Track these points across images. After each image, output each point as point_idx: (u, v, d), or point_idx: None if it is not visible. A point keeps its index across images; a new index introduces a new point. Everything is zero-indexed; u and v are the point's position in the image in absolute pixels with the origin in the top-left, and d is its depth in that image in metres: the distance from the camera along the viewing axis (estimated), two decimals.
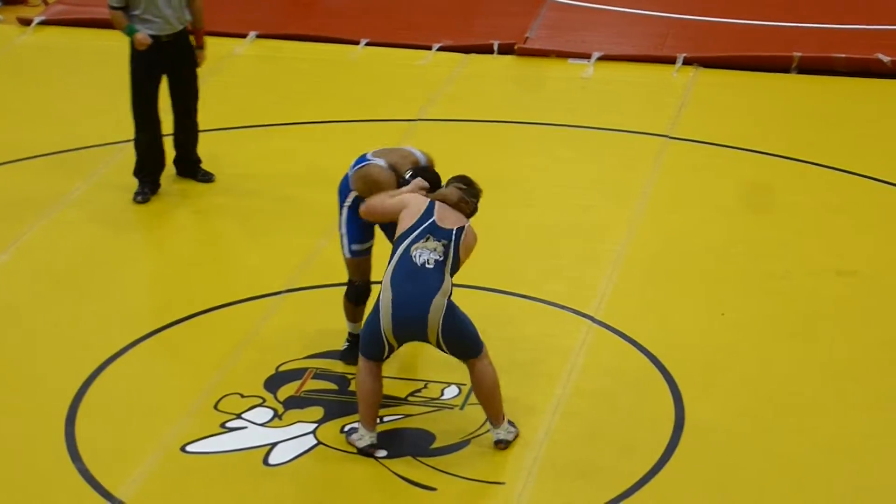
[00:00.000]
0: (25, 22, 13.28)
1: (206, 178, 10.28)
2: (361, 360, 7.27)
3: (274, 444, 7.50)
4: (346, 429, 7.42)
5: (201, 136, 10.41)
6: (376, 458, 7.37)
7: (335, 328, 8.17)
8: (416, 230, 7.17)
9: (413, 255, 7.12)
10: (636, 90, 12.08)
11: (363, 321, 7.83)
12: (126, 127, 10.36)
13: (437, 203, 7.28)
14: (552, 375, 8.05)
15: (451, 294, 7.14)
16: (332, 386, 7.96)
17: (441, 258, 7.13)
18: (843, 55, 12.23)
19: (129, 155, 10.38)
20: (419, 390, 7.85)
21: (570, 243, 9.59)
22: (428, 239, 7.15)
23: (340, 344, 8.15)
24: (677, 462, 7.35)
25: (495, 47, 12.72)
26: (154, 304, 8.84)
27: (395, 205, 7.32)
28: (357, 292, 7.94)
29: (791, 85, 12.11)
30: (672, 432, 7.57)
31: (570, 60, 12.56)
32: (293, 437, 7.55)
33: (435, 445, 7.46)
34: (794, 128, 11.35)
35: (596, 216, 9.95)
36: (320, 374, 8.05)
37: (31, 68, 12.62)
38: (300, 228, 9.69)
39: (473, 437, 7.50)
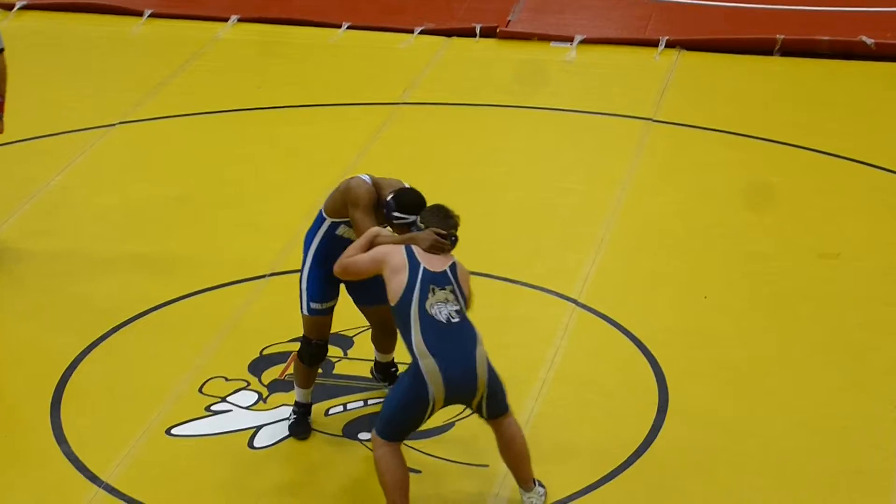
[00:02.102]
0: (7, 7, 13.21)
1: None
2: (384, 444, 6.63)
3: (259, 427, 7.51)
4: None
5: (177, 120, 10.28)
6: (360, 441, 7.39)
7: None
8: (415, 287, 6.60)
9: (432, 313, 6.57)
10: (619, 73, 12.08)
11: (310, 388, 7.41)
12: (109, 112, 10.31)
13: (414, 248, 6.71)
14: (536, 358, 8.07)
15: None
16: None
17: (458, 306, 6.63)
18: (827, 37, 12.24)
19: (109, 140, 10.34)
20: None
21: (553, 226, 9.60)
22: (434, 291, 6.60)
23: None
24: (661, 444, 7.37)
25: (477, 30, 12.70)
26: (138, 287, 8.83)
27: (369, 263, 6.73)
28: (313, 353, 7.31)
29: (774, 67, 12.13)
30: (656, 415, 7.59)
31: (553, 44, 12.55)
32: (278, 420, 7.55)
33: (419, 428, 7.46)
34: (776, 110, 11.37)
35: (579, 199, 9.96)
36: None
37: (12, 54, 12.56)
38: (284, 211, 9.68)
39: (458, 420, 7.51)
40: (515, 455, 6.80)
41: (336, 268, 6.87)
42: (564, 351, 8.15)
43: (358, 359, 7.96)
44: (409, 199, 6.88)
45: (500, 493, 7.05)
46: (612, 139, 10.90)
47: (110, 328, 8.35)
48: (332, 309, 7.27)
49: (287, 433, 7.44)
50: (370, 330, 7.68)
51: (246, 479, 7.17)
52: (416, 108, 11.42)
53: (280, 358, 8.05)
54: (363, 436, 7.42)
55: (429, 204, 6.90)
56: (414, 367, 6.56)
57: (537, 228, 9.58)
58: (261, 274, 8.92)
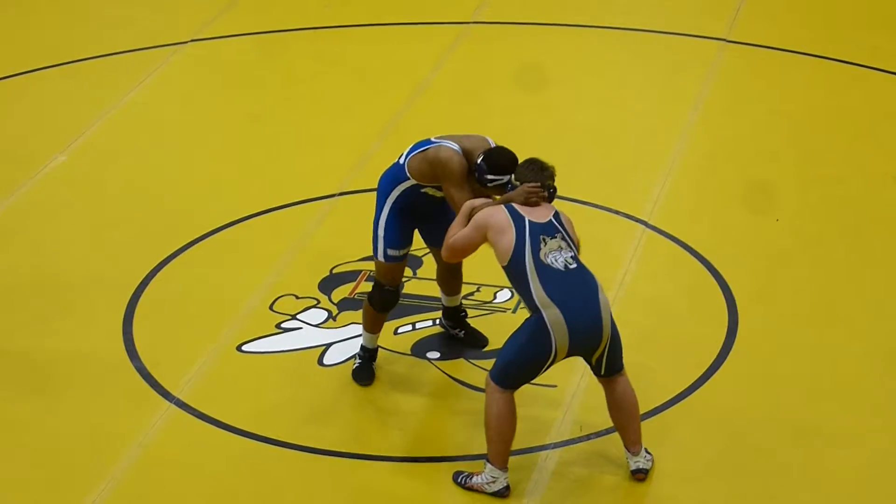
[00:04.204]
0: None
1: None
2: (499, 391, 6.41)
3: (328, 345, 7.57)
4: (460, 479, 6.58)
5: (248, 38, 10.32)
6: (429, 360, 7.43)
7: None
8: (525, 241, 6.39)
9: (548, 262, 6.36)
10: None
11: (378, 334, 7.26)
12: (181, 29, 10.28)
13: (514, 205, 6.50)
14: (605, 280, 7.97)
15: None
16: None
17: (572, 252, 6.44)
18: None
19: (182, 58, 10.35)
20: (472, 293, 7.88)
21: (624, 147, 9.55)
22: (545, 241, 6.40)
23: None
24: (729, 368, 7.36)
25: None
26: (209, 205, 8.89)
27: (474, 232, 6.49)
28: (385, 298, 7.13)
29: None
30: (725, 338, 7.57)
31: None
32: (347, 338, 7.61)
33: (488, 348, 7.50)
34: (852, 32, 11.19)
35: (650, 120, 9.89)
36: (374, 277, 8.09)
37: None
38: (355, 130, 9.69)
39: None
40: (626, 414, 6.58)
41: (444, 252, 6.63)
42: (634, 272, 8.13)
43: (427, 278, 7.98)
44: (501, 158, 6.62)
45: (566, 414, 7.07)
46: (685, 59, 10.79)
47: (182, 245, 8.42)
48: (407, 255, 7.13)
49: (355, 351, 7.48)
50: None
51: (315, 395, 7.24)
52: (488, 27, 11.34)
53: (350, 276, 8.10)
54: (431, 355, 7.46)
55: (521, 159, 6.64)
56: (536, 318, 6.33)
57: (608, 149, 9.53)
58: (331, 193, 8.95)
